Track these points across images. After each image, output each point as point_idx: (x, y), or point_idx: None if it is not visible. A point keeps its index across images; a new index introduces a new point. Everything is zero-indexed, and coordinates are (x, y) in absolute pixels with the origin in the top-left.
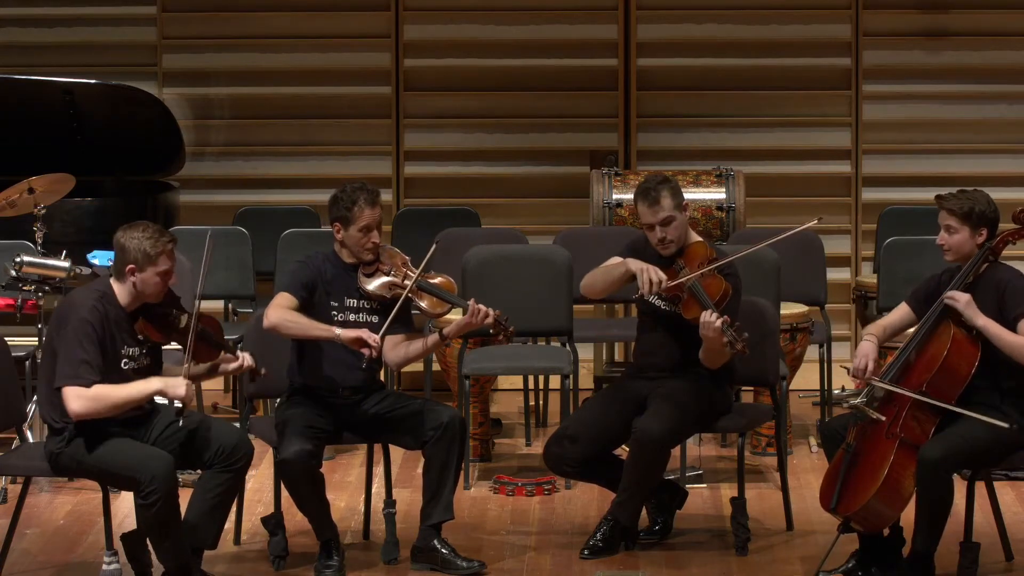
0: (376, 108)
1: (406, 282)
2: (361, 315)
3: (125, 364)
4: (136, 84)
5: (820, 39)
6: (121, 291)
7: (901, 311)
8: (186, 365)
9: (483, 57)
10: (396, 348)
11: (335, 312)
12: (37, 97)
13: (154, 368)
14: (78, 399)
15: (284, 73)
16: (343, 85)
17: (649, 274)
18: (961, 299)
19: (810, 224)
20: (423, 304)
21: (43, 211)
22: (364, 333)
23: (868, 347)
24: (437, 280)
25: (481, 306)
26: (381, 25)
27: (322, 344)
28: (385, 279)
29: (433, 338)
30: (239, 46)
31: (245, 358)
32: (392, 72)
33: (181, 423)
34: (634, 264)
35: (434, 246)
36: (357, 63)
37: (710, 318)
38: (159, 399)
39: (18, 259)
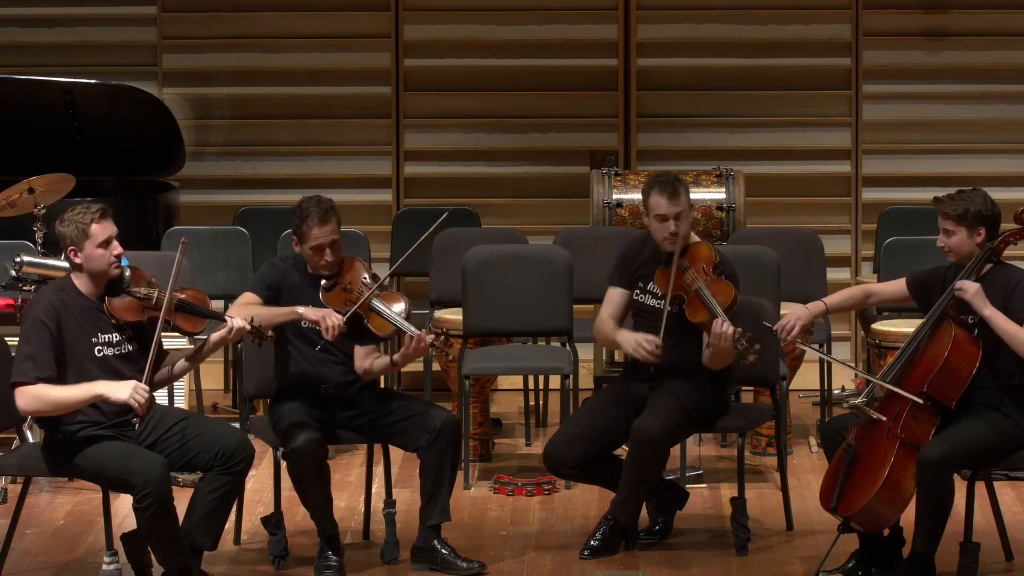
0: (376, 108)
1: (358, 298)
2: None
3: (99, 351)
4: (136, 84)
5: (820, 39)
6: (79, 280)
7: (896, 284)
8: (147, 370)
9: (483, 57)
10: (366, 359)
11: (302, 320)
12: (37, 97)
13: (144, 352)
14: (21, 397)
15: (284, 73)
16: (343, 85)
17: (643, 348)
18: (970, 289)
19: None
20: (372, 324)
21: (43, 211)
22: (328, 311)
23: (802, 312)
24: (390, 302)
25: (424, 336)
26: (381, 25)
27: (298, 345)
28: (340, 294)
29: (383, 361)
30: (239, 46)
31: (234, 322)
32: (392, 72)
33: (137, 425)
34: (626, 346)
35: (383, 278)
36: (357, 63)
37: (723, 328)
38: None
39: (18, 259)
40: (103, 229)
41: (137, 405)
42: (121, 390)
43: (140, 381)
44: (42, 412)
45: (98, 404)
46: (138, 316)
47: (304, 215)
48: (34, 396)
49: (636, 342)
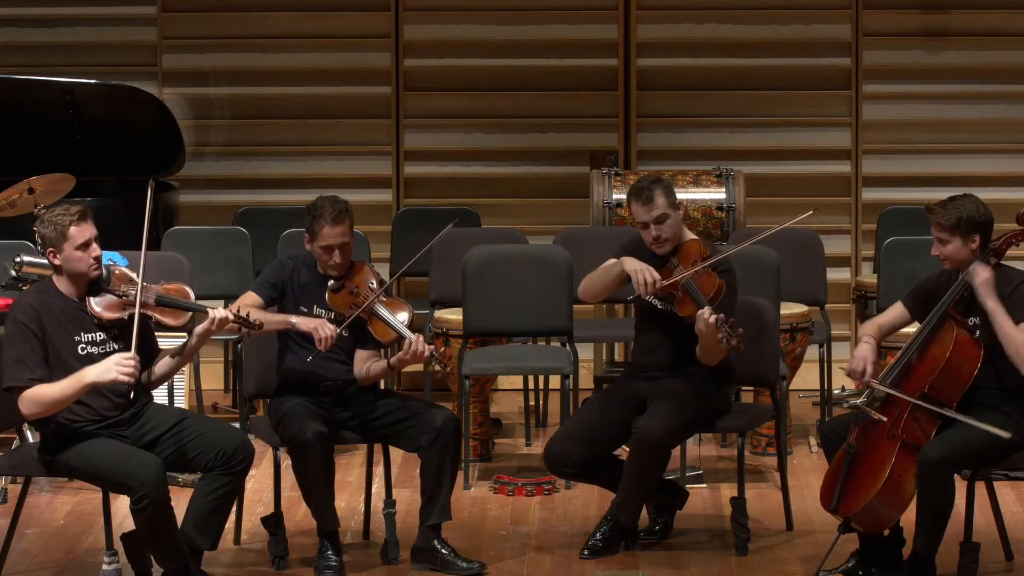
0: (376, 108)
1: (363, 302)
2: (342, 329)
3: (84, 350)
4: (136, 84)
5: (820, 39)
6: (60, 281)
7: (896, 310)
8: (134, 343)
9: (483, 57)
10: (364, 363)
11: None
12: (37, 97)
13: (129, 349)
14: (21, 403)
15: (284, 73)
16: (343, 85)
17: (644, 275)
18: (982, 274)
19: (805, 215)
20: (374, 330)
21: (43, 211)
22: (321, 323)
23: (866, 349)
24: (394, 308)
25: (419, 345)
26: (381, 25)
27: (301, 343)
28: (346, 297)
29: (381, 364)
30: (239, 46)
31: (216, 313)
32: (392, 72)
33: (132, 394)
34: (629, 264)
35: (388, 283)
36: (357, 63)
37: (706, 315)
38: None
39: (18, 259)
40: (82, 232)
41: (127, 377)
42: (107, 371)
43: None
44: (41, 413)
45: (92, 403)
46: (119, 314)
47: (318, 213)
48: (31, 399)
49: (642, 267)
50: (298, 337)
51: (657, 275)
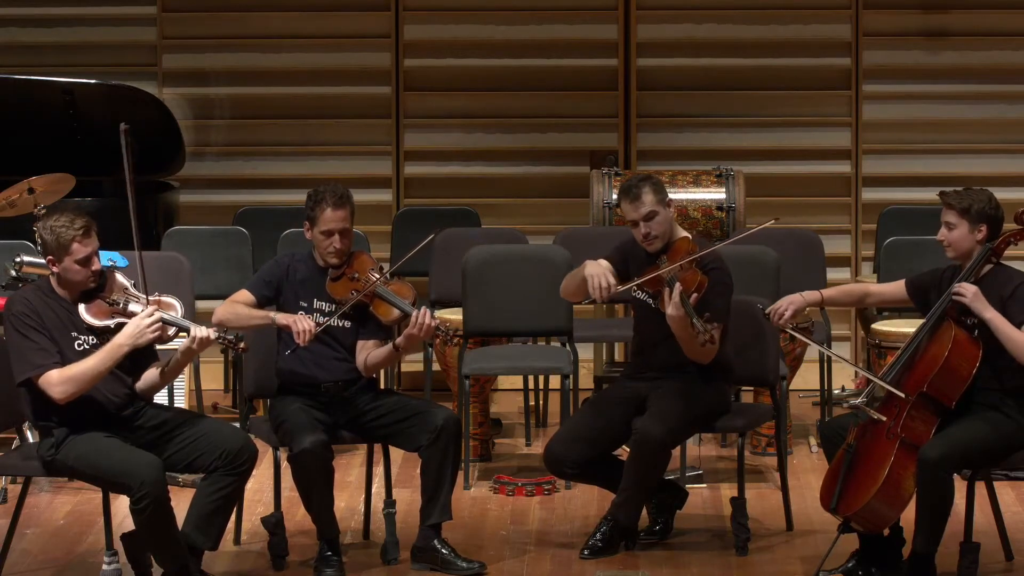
0: (376, 108)
1: (364, 286)
2: (332, 319)
3: (80, 346)
4: (136, 84)
5: (820, 39)
6: (56, 283)
7: (895, 287)
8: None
9: (483, 57)
10: (366, 351)
11: (304, 313)
12: (37, 97)
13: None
14: (52, 387)
15: (284, 73)
16: (343, 85)
17: (599, 279)
18: (968, 291)
19: (766, 224)
20: (376, 311)
21: (43, 211)
22: (299, 316)
23: (796, 297)
24: (397, 291)
25: (425, 317)
26: (381, 25)
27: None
28: (347, 283)
29: (385, 349)
30: (239, 46)
31: (198, 331)
32: (392, 72)
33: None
34: (587, 268)
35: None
36: (357, 63)
37: (673, 297)
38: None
39: (18, 259)
40: (84, 247)
41: (158, 332)
42: (140, 335)
43: (126, 379)
44: (76, 392)
45: (92, 403)
46: (107, 321)
47: (319, 198)
48: (63, 379)
49: (599, 272)
50: (287, 333)
51: (612, 280)
